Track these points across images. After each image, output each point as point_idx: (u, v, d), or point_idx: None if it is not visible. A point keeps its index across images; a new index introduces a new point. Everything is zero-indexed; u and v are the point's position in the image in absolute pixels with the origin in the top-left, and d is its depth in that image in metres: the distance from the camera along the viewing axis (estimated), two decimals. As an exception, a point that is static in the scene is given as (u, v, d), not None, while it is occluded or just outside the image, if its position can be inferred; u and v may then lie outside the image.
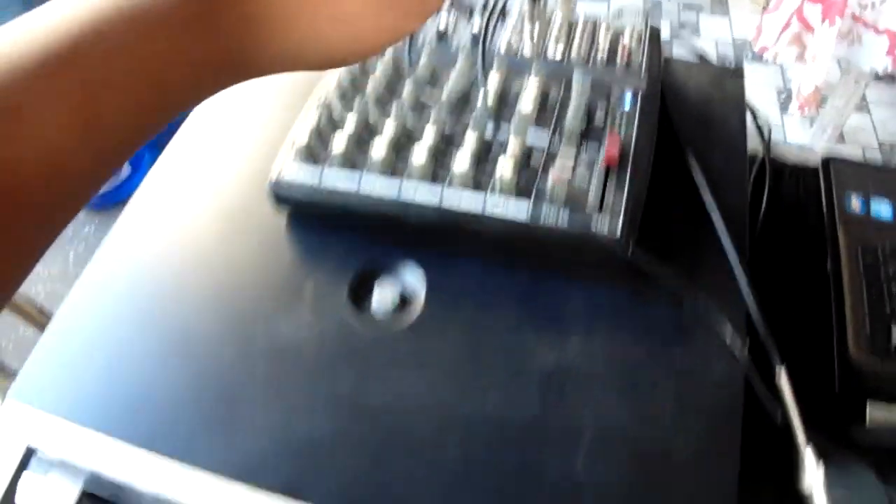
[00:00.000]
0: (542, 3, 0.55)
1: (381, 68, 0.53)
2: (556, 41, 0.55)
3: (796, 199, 0.65)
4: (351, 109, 0.50)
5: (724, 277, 0.48)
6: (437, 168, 0.47)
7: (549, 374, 0.44)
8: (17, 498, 0.45)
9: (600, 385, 0.43)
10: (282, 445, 0.42)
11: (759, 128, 0.65)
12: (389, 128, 0.48)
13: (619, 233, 0.44)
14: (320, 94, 0.53)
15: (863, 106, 2.05)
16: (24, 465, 0.46)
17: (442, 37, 0.55)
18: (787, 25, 1.62)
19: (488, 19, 0.54)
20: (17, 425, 0.45)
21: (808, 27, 1.60)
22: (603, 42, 0.55)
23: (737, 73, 0.62)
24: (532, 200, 0.45)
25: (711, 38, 2.31)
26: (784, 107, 2.07)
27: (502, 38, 0.55)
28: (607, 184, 0.46)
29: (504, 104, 0.51)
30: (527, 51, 0.54)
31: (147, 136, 0.22)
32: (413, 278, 0.48)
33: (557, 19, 0.56)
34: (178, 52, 0.22)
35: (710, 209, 0.51)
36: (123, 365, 0.46)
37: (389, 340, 0.45)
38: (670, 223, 0.50)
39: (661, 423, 0.42)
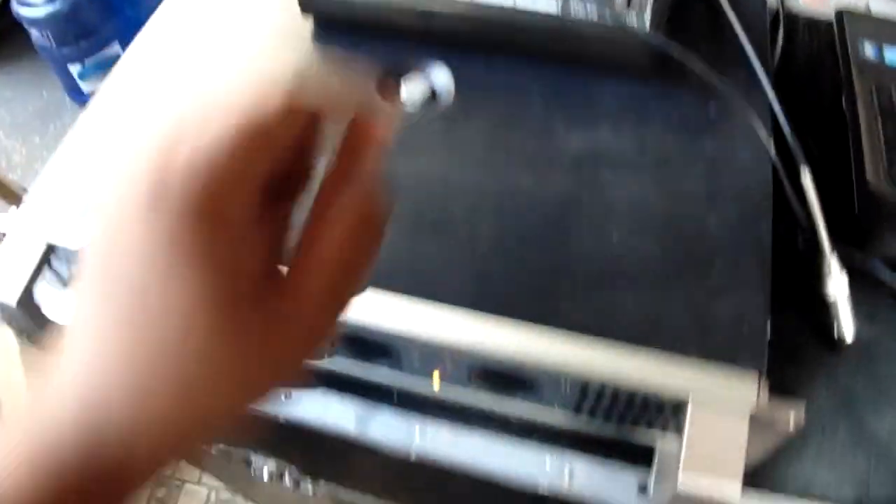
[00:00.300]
0: None
1: None
2: None
3: (810, 51, 0.65)
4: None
5: (747, 83, 0.48)
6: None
7: (581, 158, 0.44)
8: (37, 295, 0.45)
9: (632, 168, 0.43)
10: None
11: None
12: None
13: (647, 24, 0.44)
14: None
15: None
16: (44, 262, 0.45)
17: None
18: None
19: None
20: (37, 222, 0.44)
21: None
22: None
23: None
24: (564, -6, 0.45)
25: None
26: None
27: None
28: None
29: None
30: None
31: None
32: (442, 76, 0.48)
33: None
34: None
35: (732, 21, 0.51)
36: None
37: (419, 128, 0.45)
38: (694, 28, 0.50)
39: (694, 203, 0.42)
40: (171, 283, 0.20)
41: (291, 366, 0.23)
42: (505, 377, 0.41)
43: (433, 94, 0.47)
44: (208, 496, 1.26)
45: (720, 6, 0.52)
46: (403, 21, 0.47)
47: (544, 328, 0.38)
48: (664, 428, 0.42)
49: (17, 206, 0.45)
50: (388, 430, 0.45)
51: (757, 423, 0.37)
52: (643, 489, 0.44)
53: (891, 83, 0.60)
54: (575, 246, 0.40)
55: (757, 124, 0.45)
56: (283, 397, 0.47)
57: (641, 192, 0.42)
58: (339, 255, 0.23)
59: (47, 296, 0.49)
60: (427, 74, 0.48)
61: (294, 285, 0.23)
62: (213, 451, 0.65)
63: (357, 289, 0.24)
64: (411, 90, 0.47)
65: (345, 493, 0.60)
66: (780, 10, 0.64)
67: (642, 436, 0.43)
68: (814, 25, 0.66)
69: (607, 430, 0.43)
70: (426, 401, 0.46)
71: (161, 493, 1.26)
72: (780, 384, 0.38)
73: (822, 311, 0.48)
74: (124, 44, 1.24)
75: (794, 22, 0.66)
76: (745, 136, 0.45)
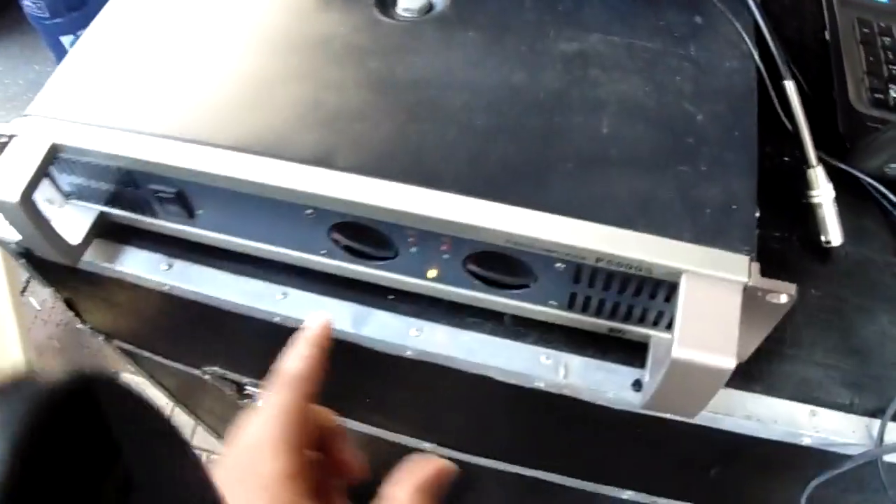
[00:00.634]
0: None
1: None
2: None
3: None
4: None
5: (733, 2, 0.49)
6: None
7: (572, 58, 0.45)
8: (36, 196, 0.45)
9: (621, 68, 0.44)
10: (309, 121, 0.42)
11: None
12: None
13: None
14: None
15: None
16: (48, 162, 0.45)
17: None
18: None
19: None
20: (43, 124, 0.45)
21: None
22: None
23: None
24: None
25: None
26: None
27: None
28: None
29: None
30: None
31: None
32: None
33: None
34: None
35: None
36: (153, 66, 0.46)
37: (416, 31, 0.46)
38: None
39: (682, 99, 0.43)
40: None
41: None
42: (499, 266, 0.42)
43: (429, 4, 0.48)
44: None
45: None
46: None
47: (538, 212, 0.39)
48: (656, 323, 0.43)
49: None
50: (384, 329, 0.46)
51: (750, 300, 0.37)
52: (637, 384, 0.44)
53: (872, 17, 0.62)
54: (567, 136, 0.41)
55: (742, 35, 0.47)
56: (277, 296, 0.48)
57: (630, 89, 0.43)
58: None
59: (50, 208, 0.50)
60: None
61: None
62: (208, 380, 0.65)
63: None
64: (409, 0, 0.48)
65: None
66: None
67: (635, 335, 0.44)
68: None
69: (601, 327, 0.44)
70: (422, 300, 0.46)
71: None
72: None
73: (810, 222, 0.49)
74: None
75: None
76: (731, 45, 0.47)
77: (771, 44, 0.48)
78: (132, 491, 0.16)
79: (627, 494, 0.60)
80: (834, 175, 0.48)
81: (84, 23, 1.36)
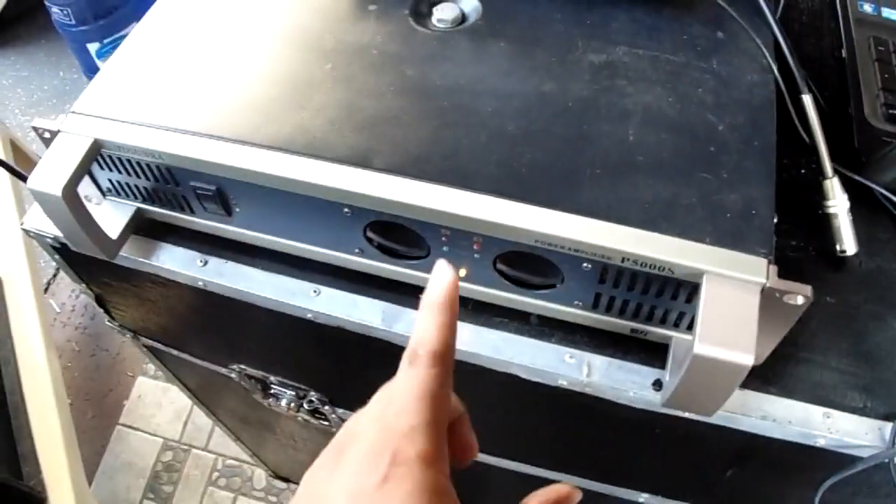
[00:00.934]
0: None
1: None
2: None
3: (810, 8, 0.69)
4: None
5: (753, 18, 0.51)
6: None
7: (599, 69, 0.47)
8: (79, 189, 0.47)
9: (647, 79, 0.46)
10: (348, 123, 0.44)
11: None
12: None
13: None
14: None
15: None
16: (91, 158, 0.47)
17: None
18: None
19: None
20: (87, 120, 0.47)
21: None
22: None
23: None
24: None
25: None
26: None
27: None
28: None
29: None
30: None
31: None
32: (471, 4, 0.51)
33: None
34: None
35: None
36: (196, 68, 0.48)
37: (450, 41, 0.48)
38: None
39: (704, 109, 0.45)
40: None
41: None
42: (528, 266, 0.44)
43: (463, 15, 0.51)
44: (215, 462, 1.27)
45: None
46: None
47: (567, 214, 0.40)
48: (677, 325, 0.45)
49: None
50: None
51: (767, 301, 0.39)
52: (657, 384, 0.46)
53: (887, 36, 0.64)
54: (594, 142, 0.43)
55: (763, 50, 0.48)
56: (311, 293, 0.50)
57: (655, 100, 0.45)
58: None
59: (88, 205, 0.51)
60: (457, 2, 0.51)
61: None
62: (234, 378, 0.67)
63: None
64: (444, 12, 0.50)
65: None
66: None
67: (657, 336, 0.46)
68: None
69: (624, 327, 0.46)
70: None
71: (167, 457, 1.27)
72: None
73: (826, 231, 0.50)
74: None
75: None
76: (751, 59, 0.48)
77: (790, 59, 0.50)
78: None
79: (643, 497, 0.61)
80: (849, 187, 0.50)
81: (110, 31, 1.40)
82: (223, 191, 0.47)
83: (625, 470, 0.60)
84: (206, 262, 0.53)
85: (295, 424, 0.84)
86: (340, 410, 0.68)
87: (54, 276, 1.53)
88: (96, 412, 1.37)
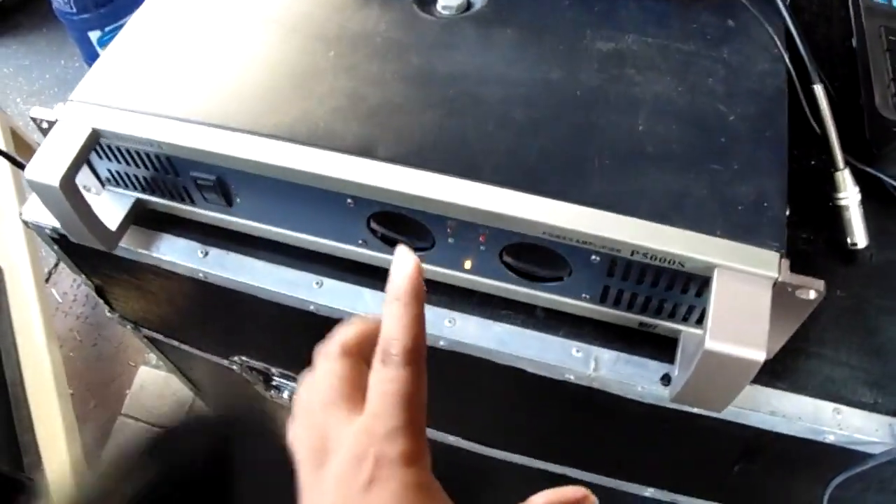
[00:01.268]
0: None
1: None
2: None
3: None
4: None
5: (764, 7, 0.50)
6: None
7: (608, 58, 0.46)
8: (78, 179, 0.46)
9: (656, 68, 0.45)
10: (351, 112, 0.44)
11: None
12: None
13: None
14: None
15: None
16: (89, 148, 0.46)
17: None
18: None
19: None
20: (85, 110, 0.46)
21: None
22: None
23: None
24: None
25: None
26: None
27: None
28: None
29: None
30: None
31: None
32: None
33: None
34: None
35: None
36: (195, 57, 0.47)
37: (455, 28, 0.47)
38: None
39: (714, 99, 0.44)
40: None
41: None
42: (534, 259, 0.43)
43: (468, 2, 0.50)
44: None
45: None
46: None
47: (576, 205, 0.40)
48: (686, 319, 0.44)
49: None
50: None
51: (779, 296, 0.38)
52: (666, 378, 0.45)
53: (899, 25, 0.63)
54: (603, 132, 0.42)
55: (774, 39, 0.47)
56: (313, 285, 0.49)
57: (665, 89, 0.44)
58: None
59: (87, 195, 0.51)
60: None
61: None
62: (235, 370, 0.67)
63: None
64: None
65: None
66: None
67: (665, 330, 0.45)
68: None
69: (632, 321, 0.45)
70: (455, 291, 0.47)
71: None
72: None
73: (836, 224, 0.50)
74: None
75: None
76: (763, 49, 0.47)
77: (802, 48, 0.49)
78: None
79: (650, 492, 0.60)
80: (860, 179, 0.49)
81: (111, 19, 1.38)
82: (224, 181, 0.47)
83: (630, 465, 0.59)
84: (206, 253, 0.52)
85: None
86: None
87: (56, 265, 1.52)
88: (98, 402, 1.36)
